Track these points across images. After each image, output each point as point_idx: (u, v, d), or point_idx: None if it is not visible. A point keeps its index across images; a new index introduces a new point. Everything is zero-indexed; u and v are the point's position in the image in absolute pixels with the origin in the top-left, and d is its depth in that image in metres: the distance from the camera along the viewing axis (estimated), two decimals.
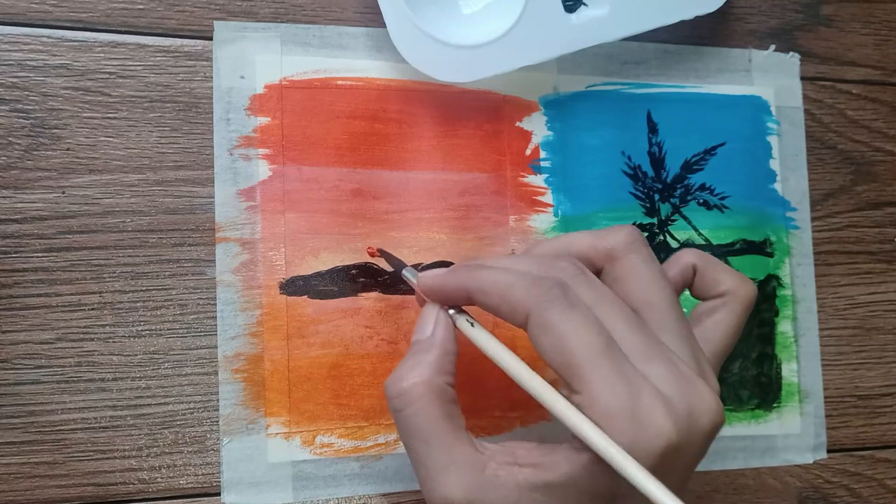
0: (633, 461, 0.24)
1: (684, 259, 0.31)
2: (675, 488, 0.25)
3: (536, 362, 0.26)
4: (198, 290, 0.32)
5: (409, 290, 0.34)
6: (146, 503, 0.31)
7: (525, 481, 0.26)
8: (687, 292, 0.32)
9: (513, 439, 0.30)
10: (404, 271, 0.31)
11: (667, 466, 0.25)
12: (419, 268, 0.34)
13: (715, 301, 0.31)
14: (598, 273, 0.29)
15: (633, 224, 0.37)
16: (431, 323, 0.28)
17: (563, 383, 0.25)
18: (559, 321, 0.25)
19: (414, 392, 0.27)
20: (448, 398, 0.27)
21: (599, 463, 0.25)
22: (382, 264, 0.34)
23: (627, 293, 0.28)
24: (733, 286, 0.30)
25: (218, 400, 0.32)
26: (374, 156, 0.34)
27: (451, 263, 0.33)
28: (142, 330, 0.32)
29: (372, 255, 0.33)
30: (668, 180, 0.38)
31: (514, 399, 0.35)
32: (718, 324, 0.30)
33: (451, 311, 0.29)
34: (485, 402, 0.34)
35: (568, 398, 0.25)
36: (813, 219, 0.40)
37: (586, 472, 0.25)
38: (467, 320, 0.29)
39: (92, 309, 0.31)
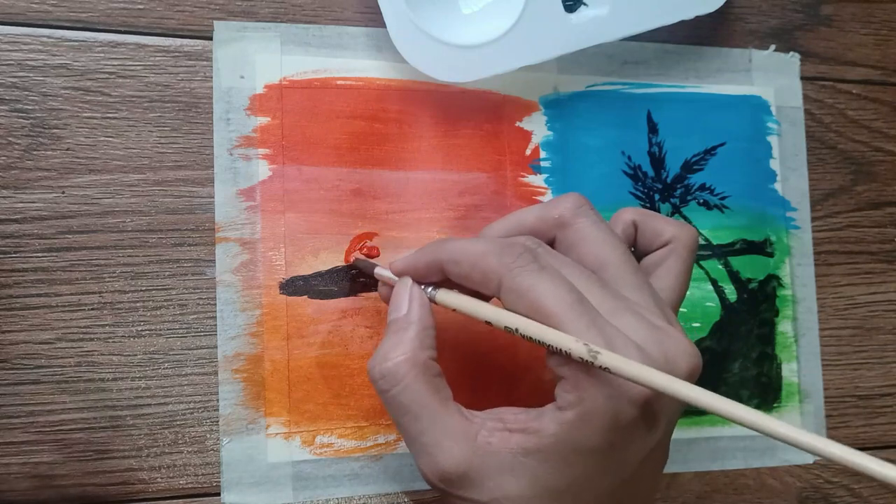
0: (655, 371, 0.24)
1: (624, 217, 0.31)
2: (664, 434, 0.26)
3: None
4: (198, 290, 0.32)
5: None
6: (146, 503, 0.31)
7: (518, 447, 0.26)
8: None
9: None
10: (377, 270, 0.31)
11: (652, 414, 0.26)
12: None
13: (661, 251, 0.31)
14: (550, 244, 0.29)
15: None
16: (406, 300, 0.29)
17: (542, 345, 0.26)
18: (532, 284, 0.26)
19: (399, 370, 0.27)
20: (433, 372, 0.27)
21: (586, 416, 0.25)
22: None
23: (582, 256, 0.28)
24: (675, 232, 0.31)
25: (218, 400, 0.32)
26: (374, 156, 0.34)
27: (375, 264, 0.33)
28: (142, 330, 0.32)
29: (358, 255, 0.33)
30: (668, 180, 0.38)
31: (514, 396, 0.35)
32: (669, 271, 0.30)
33: (422, 287, 0.29)
34: (485, 400, 0.34)
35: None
36: (813, 219, 0.40)
37: (574, 429, 0.25)
38: (443, 290, 0.29)
39: (92, 309, 0.31)
